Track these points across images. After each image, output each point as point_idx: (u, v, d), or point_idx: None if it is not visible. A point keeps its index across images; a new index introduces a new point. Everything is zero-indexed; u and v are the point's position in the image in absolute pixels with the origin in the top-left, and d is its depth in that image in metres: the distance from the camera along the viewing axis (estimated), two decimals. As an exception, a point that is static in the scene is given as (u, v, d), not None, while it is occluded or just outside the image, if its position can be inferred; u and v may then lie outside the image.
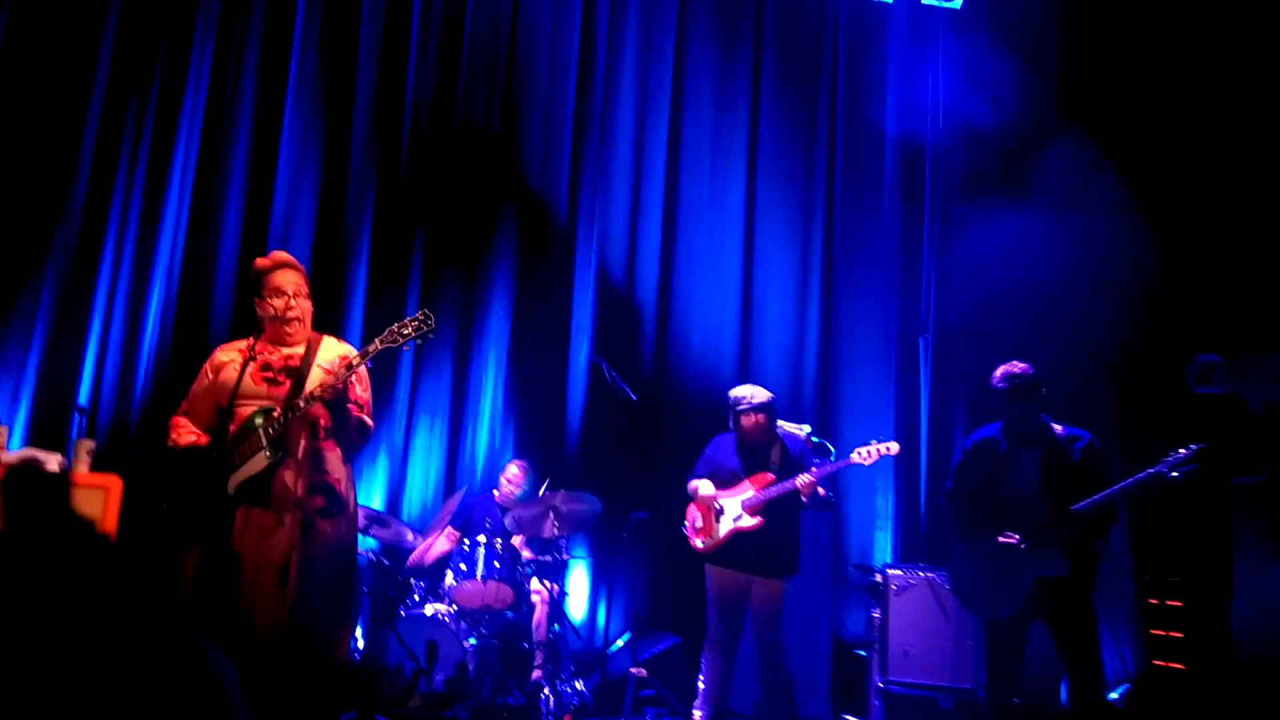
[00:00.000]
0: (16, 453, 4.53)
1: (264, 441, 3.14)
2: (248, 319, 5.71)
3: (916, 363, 6.53)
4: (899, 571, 5.30)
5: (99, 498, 4.33)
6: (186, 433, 3.31)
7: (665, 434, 6.13)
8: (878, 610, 5.31)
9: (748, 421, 4.58)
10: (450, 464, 6.25)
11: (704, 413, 6.10)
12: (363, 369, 3.27)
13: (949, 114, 6.75)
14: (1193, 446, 3.86)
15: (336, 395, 3.16)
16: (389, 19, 6.44)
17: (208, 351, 5.70)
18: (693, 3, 6.84)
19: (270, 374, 3.27)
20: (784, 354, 6.56)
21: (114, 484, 4.41)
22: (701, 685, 4.58)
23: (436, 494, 6.19)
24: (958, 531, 4.16)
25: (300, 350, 3.33)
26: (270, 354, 3.32)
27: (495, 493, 5.88)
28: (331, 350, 3.39)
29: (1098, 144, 6.26)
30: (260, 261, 3.40)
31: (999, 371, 4.08)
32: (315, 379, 3.26)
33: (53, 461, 4.49)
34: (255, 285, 3.36)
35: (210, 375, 3.36)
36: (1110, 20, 6.51)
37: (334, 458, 3.30)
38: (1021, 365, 4.04)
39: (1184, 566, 5.24)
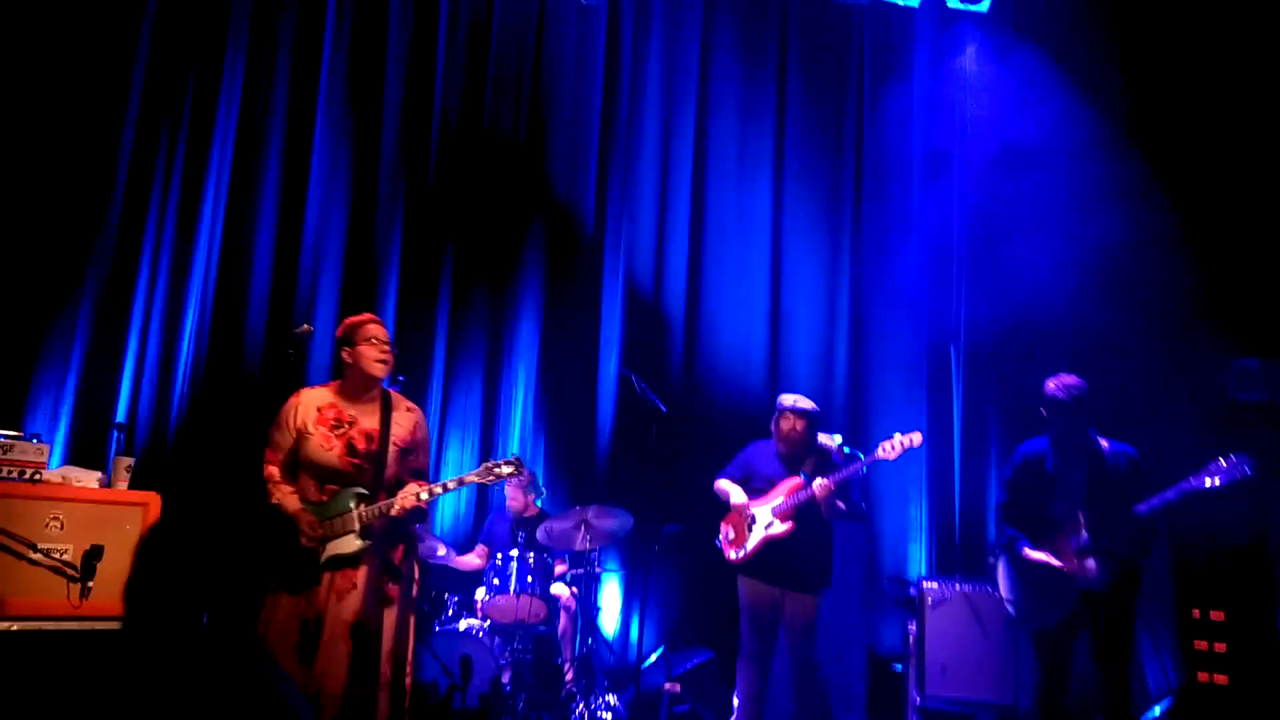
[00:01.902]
0: (57, 470, 4.59)
1: (356, 528, 3.47)
2: (280, 337, 5.85)
3: (948, 371, 6.47)
4: (935, 584, 5.25)
5: (138, 514, 4.40)
6: (289, 498, 3.56)
7: (695, 445, 6.10)
8: (913, 624, 5.25)
9: (786, 425, 4.57)
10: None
11: (734, 423, 6.09)
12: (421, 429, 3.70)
13: (977, 116, 6.70)
14: (1234, 456, 3.80)
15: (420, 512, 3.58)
16: (415, 35, 6.49)
17: (244, 369, 5.85)
18: (717, 13, 6.84)
19: (357, 460, 3.54)
20: (813, 363, 6.53)
21: (153, 500, 4.48)
22: (736, 701, 4.56)
23: (469, 509, 6.21)
24: (1007, 544, 4.17)
25: (375, 423, 3.60)
26: (349, 426, 3.57)
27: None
28: (404, 420, 3.66)
29: (1132, 149, 6.19)
30: (351, 318, 3.70)
31: (1056, 383, 4.04)
32: (391, 458, 3.59)
33: (92, 479, 4.56)
34: (347, 337, 3.63)
35: (292, 433, 3.58)
36: (1140, 19, 6.43)
37: (412, 519, 3.65)
38: (1074, 377, 4.02)
39: (1226, 577, 5.15)
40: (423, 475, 3.67)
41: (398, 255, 6.34)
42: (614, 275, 6.56)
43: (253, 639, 3.27)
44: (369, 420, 3.59)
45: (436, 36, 6.49)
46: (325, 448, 3.52)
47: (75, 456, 5.41)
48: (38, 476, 4.39)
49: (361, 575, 3.46)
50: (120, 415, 5.70)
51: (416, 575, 3.71)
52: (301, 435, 3.56)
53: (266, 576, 3.38)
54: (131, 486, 4.60)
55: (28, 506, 4.20)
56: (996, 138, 6.53)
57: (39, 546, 4.15)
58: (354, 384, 3.62)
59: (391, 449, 3.58)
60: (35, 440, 4.53)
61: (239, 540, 3.33)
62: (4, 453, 4.35)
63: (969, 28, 6.77)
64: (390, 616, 3.47)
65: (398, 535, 3.57)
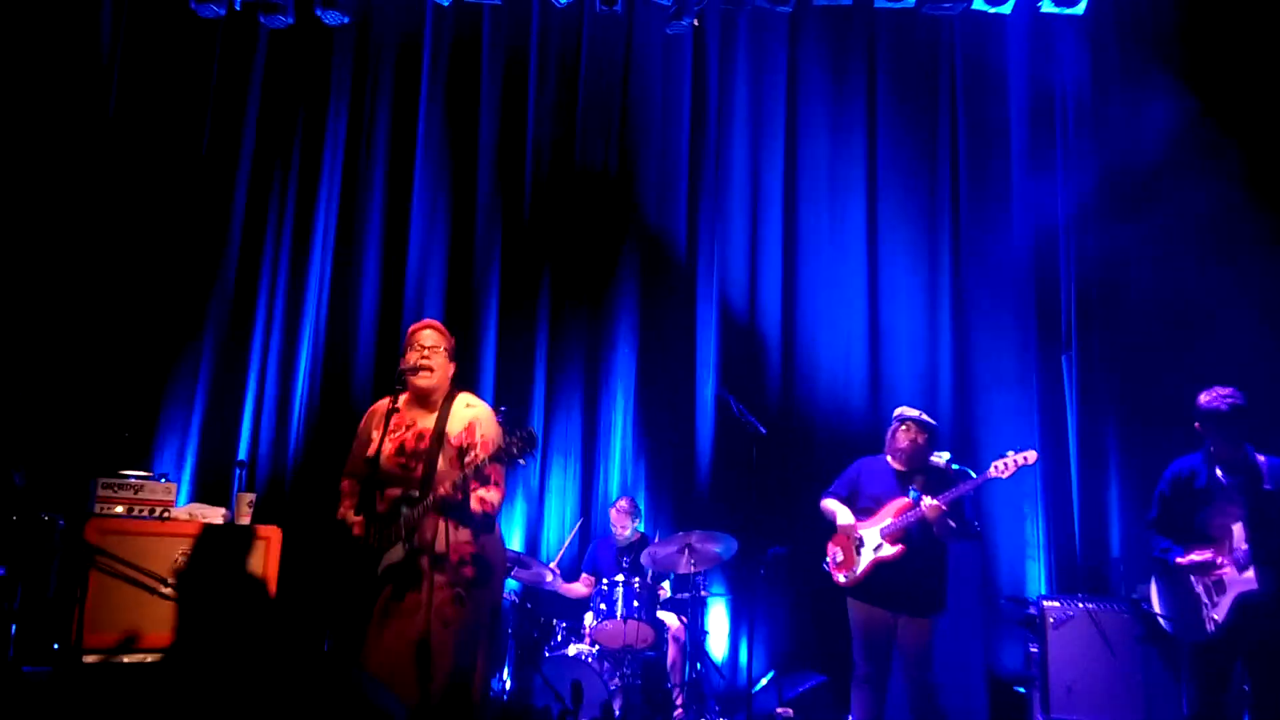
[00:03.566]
0: (184, 508, 4.83)
1: (403, 533, 3.40)
2: (388, 370, 6.03)
3: (1060, 383, 6.24)
4: (1056, 603, 5.05)
5: (261, 547, 4.58)
6: (347, 510, 3.59)
7: (796, 466, 6.05)
8: (1035, 644, 5.06)
9: (906, 438, 4.47)
10: (584, 503, 6.32)
11: (834, 443, 6.01)
12: (493, 432, 3.51)
13: (1079, 120, 6.49)
14: None
15: (455, 502, 3.38)
16: (507, 75, 6.66)
17: (353, 405, 6.06)
18: (803, 34, 6.81)
19: (403, 459, 3.49)
20: (916, 380, 6.38)
21: (274, 534, 4.67)
22: (854, 727, 4.45)
23: (575, 537, 6.25)
24: (1159, 558, 4.13)
25: (431, 423, 3.54)
26: (405, 429, 3.54)
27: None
28: (460, 415, 3.57)
29: (1244, 148, 5.90)
30: (411, 327, 3.72)
31: (1211, 396, 4.00)
32: (444, 458, 3.49)
33: (217, 515, 4.78)
34: (405, 347, 3.65)
35: (363, 441, 3.62)
36: (1242, 18, 6.14)
37: (476, 530, 3.49)
38: (1230, 389, 3.96)
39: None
40: (484, 477, 3.41)
41: (496, 288, 6.48)
42: (708, 299, 6.57)
43: (358, 663, 3.31)
44: (426, 421, 3.54)
45: (527, 76, 6.66)
46: (379, 450, 3.48)
47: (200, 494, 5.68)
48: (167, 514, 4.62)
49: (424, 593, 3.34)
50: (241, 453, 5.97)
51: (502, 565, 3.65)
52: (364, 443, 3.59)
53: (357, 598, 3.39)
54: (253, 521, 4.80)
55: (158, 543, 4.43)
56: (1100, 143, 6.31)
57: (169, 582, 4.36)
58: (410, 390, 3.57)
59: (446, 448, 3.48)
60: (163, 479, 4.78)
61: (350, 570, 3.45)
62: (135, 492, 4.60)
63: (1066, 31, 6.58)
64: (450, 637, 3.33)
65: (464, 550, 3.42)
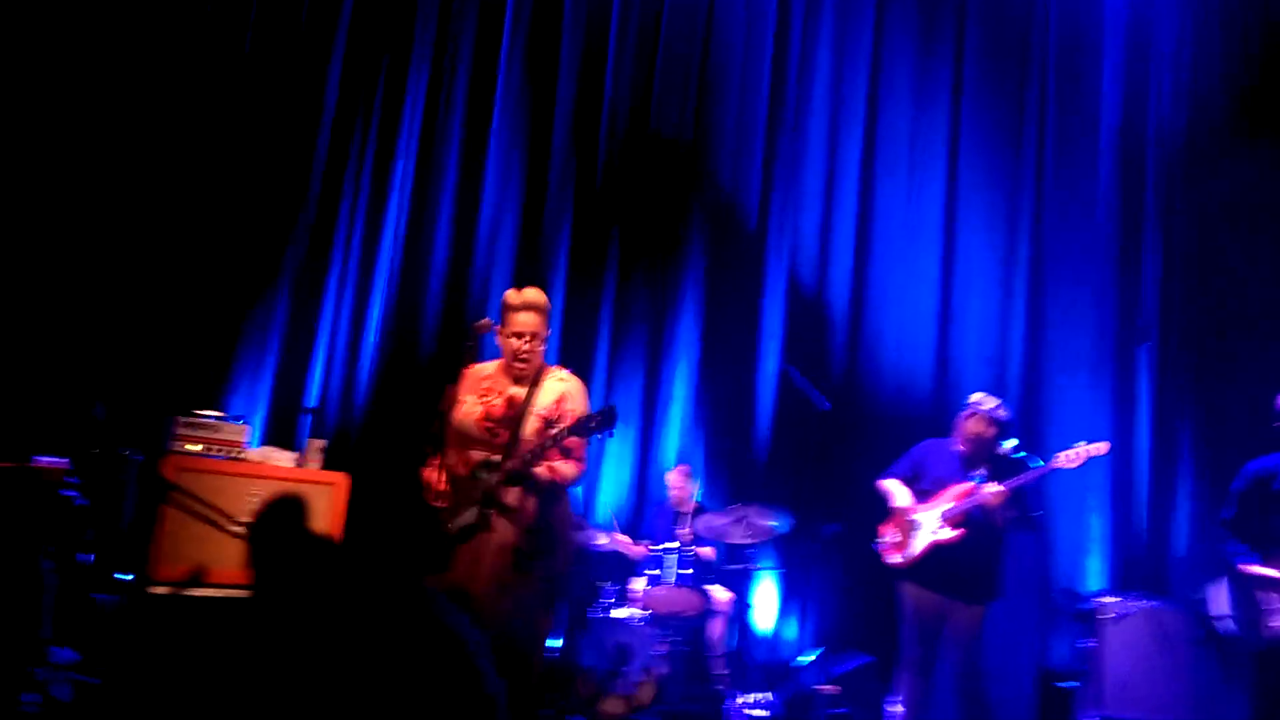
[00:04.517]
0: (257, 450, 4.98)
1: (478, 495, 3.40)
2: (455, 326, 6.12)
3: (1135, 375, 6.07)
4: (1115, 599, 4.96)
5: (330, 493, 4.72)
6: (429, 470, 3.51)
7: (856, 445, 5.98)
8: (1089, 640, 4.98)
9: (976, 428, 4.38)
10: (641, 471, 6.36)
11: (897, 424, 5.93)
12: (581, 407, 3.50)
13: (1175, 102, 6.24)
14: None
15: (526, 473, 3.38)
16: (588, 35, 6.63)
17: (419, 359, 6.16)
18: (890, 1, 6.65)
19: (491, 425, 3.50)
20: (985, 365, 6.25)
21: (343, 481, 4.80)
22: (900, 708, 4.44)
23: (629, 500, 6.31)
24: (1228, 558, 4.09)
25: (523, 393, 3.53)
26: (496, 395, 3.54)
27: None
28: (551, 389, 3.56)
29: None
30: (510, 296, 3.60)
31: None
32: (531, 428, 3.46)
33: (288, 459, 4.92)
34: (502, 315, 3.57)
35: (452, 403, 3.55)
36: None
37: (545, 500, 3.47)
38: None
39: None
40: (565, 450, 3.41)
41: (565, 249, 6.51)
42: (777, 270, 6.51)
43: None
44: (517, 390, 3.54)
45: (608, 39, 6.61)
46: (467, 413, 3.50)
47: (270, 438, 5.84)
48: (239, 455, 4.77)
49: (485, 555, 3.35)
50: (312, 400, 6.12)
51: (571, 540, 3.62)
52: (459, 406, 3.55)
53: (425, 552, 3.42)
54: (324, 467, 4.94)
55: (230, 483, 4.57)
56: (1199, 119, 6.05)
57: (240, 520, 4.50)
58: (506, 364, 3.58)
59: (534, 418, 3.47)
60: (238, 421, 4.93)
61: (414, 518, 3.51)
62: (212, 432, 4.76)
63: (1168, 6, 6.30)
64: (509, 602, 3.34)
65: (529, 518, 3.42)
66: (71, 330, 5.47)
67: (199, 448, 4.67)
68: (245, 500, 4.51)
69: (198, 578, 4.30)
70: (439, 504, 3.45)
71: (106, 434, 4.60)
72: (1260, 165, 5.73)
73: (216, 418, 4.84)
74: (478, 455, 3.47)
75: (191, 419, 4.72)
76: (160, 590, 4.29)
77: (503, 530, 3.39)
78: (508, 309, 3.55)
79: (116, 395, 5.09)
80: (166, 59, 6.02)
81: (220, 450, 4.72)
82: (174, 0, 6.08)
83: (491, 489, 3.38)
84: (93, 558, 4.35)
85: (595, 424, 3.32)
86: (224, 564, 4.38)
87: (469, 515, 3.39)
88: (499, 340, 3.56)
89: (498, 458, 3.41)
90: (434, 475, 3.50)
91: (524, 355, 3.51)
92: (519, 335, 3.51)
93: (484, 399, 3.53)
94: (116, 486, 4.61)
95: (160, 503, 4.38)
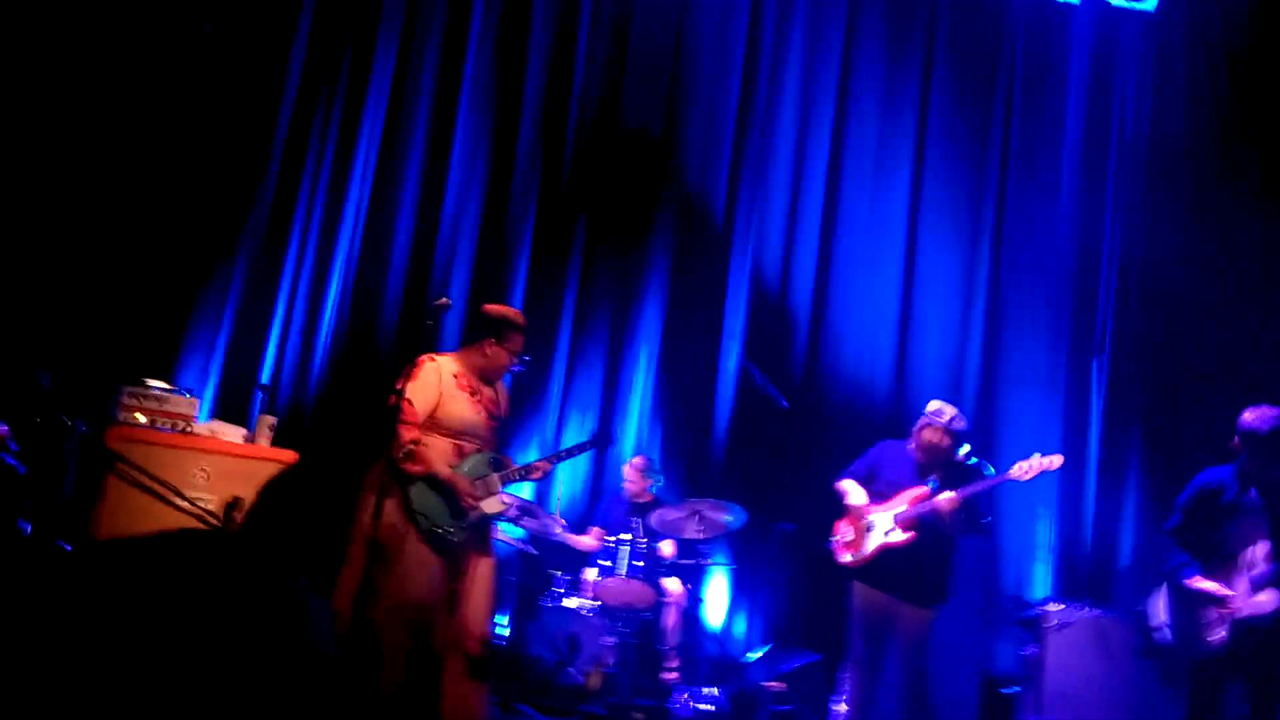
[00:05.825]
0: (205, 424, 4.87)
1: (499, 489, 3.80)
2: (415, 308, 6.04)
3: (1089, 387, 6.17)
4: (1060, 606, 5.03)
5: (276, 470, 4.63)
6: (439, 465, 3.72)
7: (813, 445, 6.01)
8: (1033, 646, 5.05)
9: (932, 437, 4.41)
10: (598, 460, 6.33)
11: (853, 425, 5.98)
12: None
13: (1137, 121, 6.35)
14: None
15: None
16: (559, 23, 6.58)
17: (377, 340, 6.08)
18: (862, 6, 6.69)
19: (494, 423, 3.89)
20: (943, 370, 6.32)
21: (291, 459, 4.71)
22: (843, 707, 4.48)
23: (585, 489, 6.28)
24: (1170, 570, 4.10)
25: (493, 393, 3.94)
26: (479, 395, 3.86)
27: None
28: (502, 390, 4.03)
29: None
30: (517, 317, 3.94)
31: (1255, 414, 3.94)
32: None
33: (237, 434, 4.82)
34: (498, 328, 3.85)
35: (436, 394, 3.73)
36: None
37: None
38: (1276, 410, 3.91)
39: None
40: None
41: (530, 235, 6.46)
42: (740, 268, 6.52)
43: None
44: (488, 390, 3.89)
45: (579, 25, 6.57)
46: (473, 412, 3.77)
47: (220, 413, 5.71)
48: (188, 429, 4.66)
49: (474, 548, 3.76)
50: (264, 377, 6.00)
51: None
52: (445, 397, 3.73)
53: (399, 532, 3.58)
54: (273, 444, 4.84)
55: (178, 456, 4.46)
56: (1159, 138, 6.16)
57: (186, 494, 4.40)
58: (480, 368, 3.85)
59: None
60: (188, 394, 4.81)
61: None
62: (160, 404, 4.64)
63: (1133, 28, 6.41)
64: (481, 586, 3.73)
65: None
66: (18, 294, 5.32)
67: (146, 419, 4.55)
68: (192, 474, 4.42)
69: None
70: (411, 467, 3.61)
71: (50, 401, 4.47)
72: (1219, 182, 5.86)
73: (165, 389, 4.72)
74: (469, 447, 3.75)
75: (139, 389, 4.61)
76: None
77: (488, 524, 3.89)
78: (513, 328, 3.87)
79: (63, 362, 4.95)
80: (127, 34, 5.88)
81: (168, 422, 4.60)
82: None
83: (511, 481, 3.86)
84: (29, 527, 4.22)
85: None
86: (167, 538, 4.27)
87: (492, 504, 3.74)
88: (489, 349, 3.82)
89: (495, 454, 3.85)
90: (420, 436, 3.66)
91: (515, 369, 3.92)
92: (517, 355, 3.87)
93: (474, 397, 3.80)
94: (59, 455, 4.48)
95: (104, 473, 4.27)
